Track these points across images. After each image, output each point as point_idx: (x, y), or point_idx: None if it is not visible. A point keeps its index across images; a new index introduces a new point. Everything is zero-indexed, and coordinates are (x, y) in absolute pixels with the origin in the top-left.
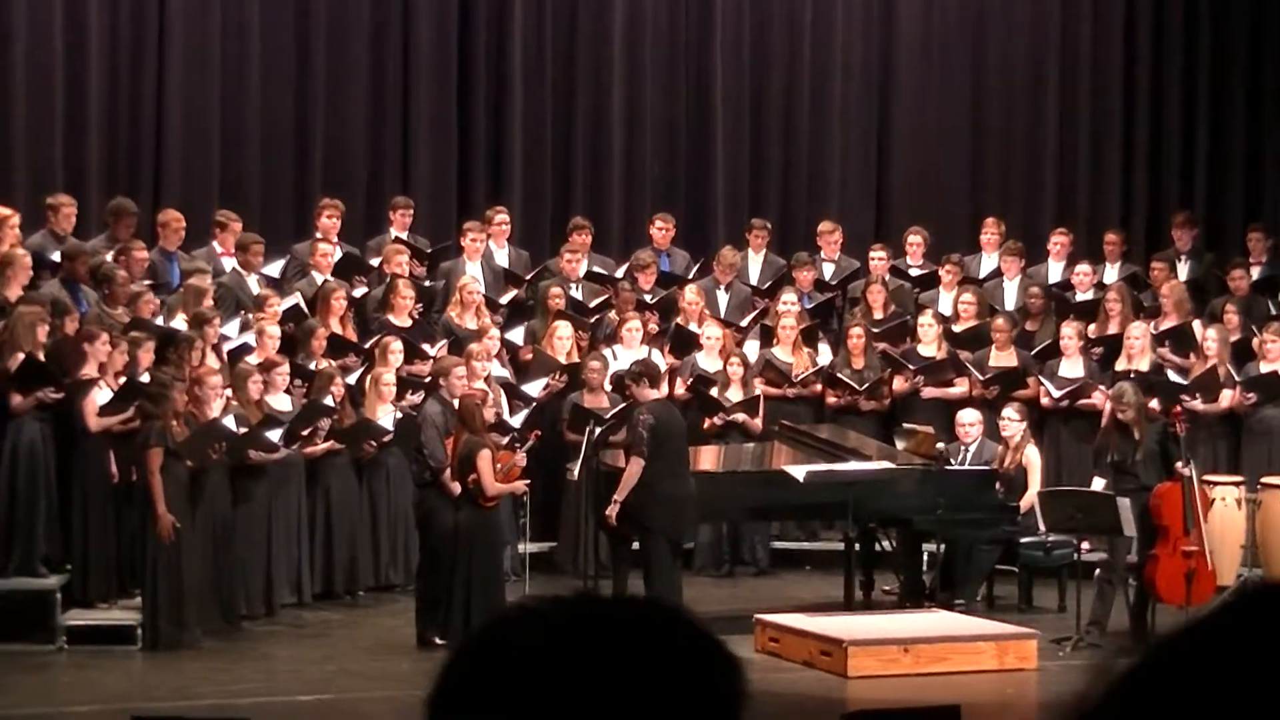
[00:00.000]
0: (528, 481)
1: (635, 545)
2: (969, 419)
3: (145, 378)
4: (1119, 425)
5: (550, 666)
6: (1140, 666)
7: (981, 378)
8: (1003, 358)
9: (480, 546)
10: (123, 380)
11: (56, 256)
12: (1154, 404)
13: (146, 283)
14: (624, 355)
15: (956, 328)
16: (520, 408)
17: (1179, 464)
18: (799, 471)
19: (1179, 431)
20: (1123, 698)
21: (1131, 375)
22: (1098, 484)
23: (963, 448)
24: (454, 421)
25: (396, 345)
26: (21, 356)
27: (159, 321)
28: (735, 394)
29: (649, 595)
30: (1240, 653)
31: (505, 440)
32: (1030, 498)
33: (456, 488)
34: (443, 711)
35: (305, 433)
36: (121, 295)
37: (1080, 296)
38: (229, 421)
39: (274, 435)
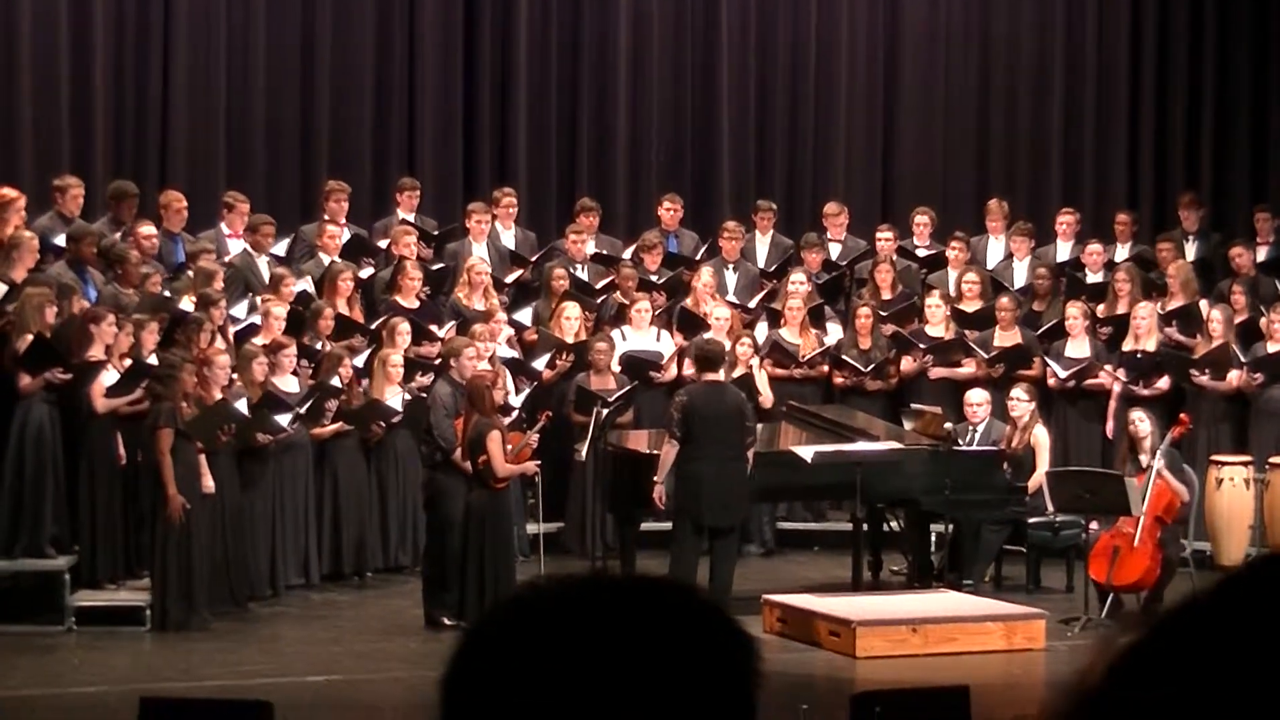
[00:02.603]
0: (538, 462)
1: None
2: (977, 399)
3: (152, 359)
4: (1133, 448)
5: (563, 646)
6: (1141, 641)
7: (986, 357)
8: (1007, 337)
9: (491, 528)
10: (129, 362)
11: (62, 239)
12: (1163, 382)
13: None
14: (633, 336)
15: (964, 307)
16: (525, 386)
17: (1146, 455)
18: (806, 452)
19: (1176, 437)
20: (1125, 672)
21: (1138, 355)
22: None
23: (970, 428)
24: (463, 403)
25: (404, 327)
26: (30, 338)
27: None
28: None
29: (662, 574)
30: (1243, 623)
31: (512, 419)
32: (1038, 478)
33: (469, 468)
34: (456, 691)
35: (308, 411)
36: (134, 276)
37: (1091, 277)
38: (240, 405)
39: (283, 418)
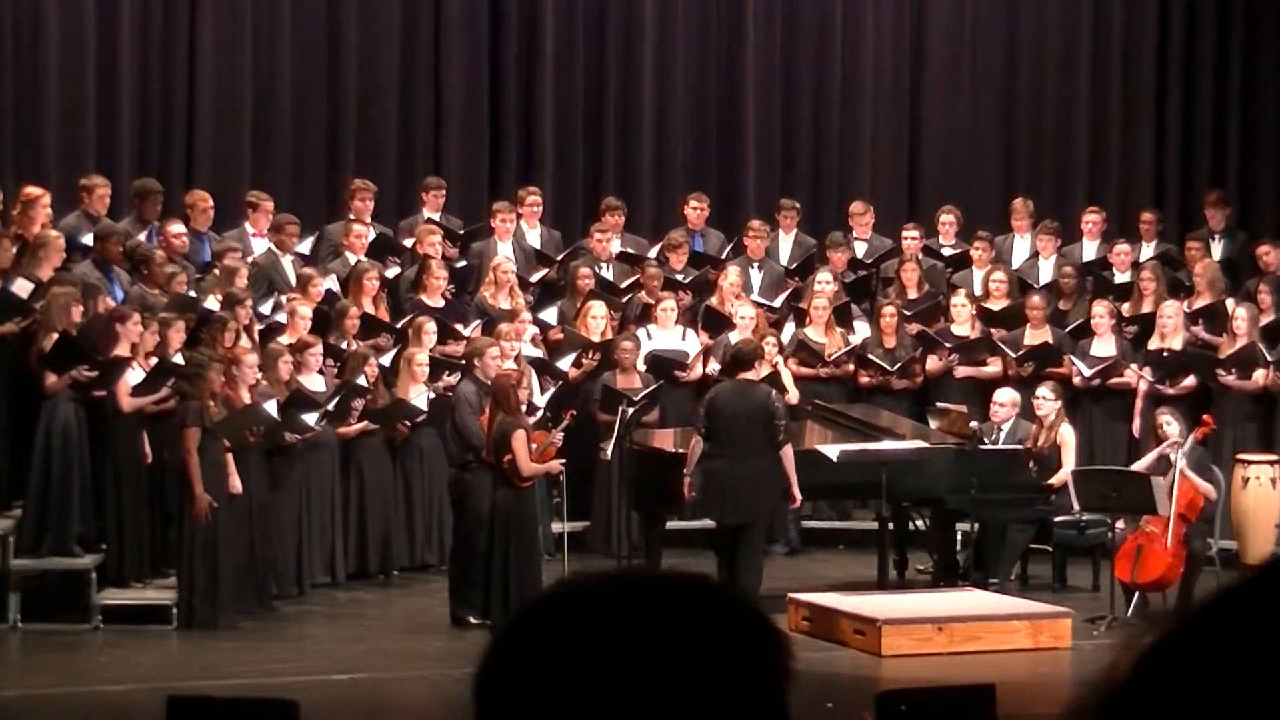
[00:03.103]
0: (563, 461)
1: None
2: (1003, 399)
3: (178, 358)
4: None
5: (595, 643)
6: (1165, 638)
7: (1015, 356)
8: (1037, 336)
9: (516, 527)
10: (154, 361)
11: (89, 238)
12: (1189, 381)
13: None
14: (658, 335)
15: (990, 306)
16: (550, 385)
17: (1174, 454)
18: (832, 451)
19: (1199, 438)
20: (1148, 669)
21: (1164, 354)
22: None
23: (996, 427)
24: (488, 402)
25: (430, 326)
26: (55, 337)
27: None
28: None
29: (694, 571)
30: (1267, 619)
31: (537, 418)
32: (1063, 475)
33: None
34: (489, 690)
35: (335, 410)
36: (159, 275)
37: (1119, 276)
38: (270, 406)
39: (310, 418)
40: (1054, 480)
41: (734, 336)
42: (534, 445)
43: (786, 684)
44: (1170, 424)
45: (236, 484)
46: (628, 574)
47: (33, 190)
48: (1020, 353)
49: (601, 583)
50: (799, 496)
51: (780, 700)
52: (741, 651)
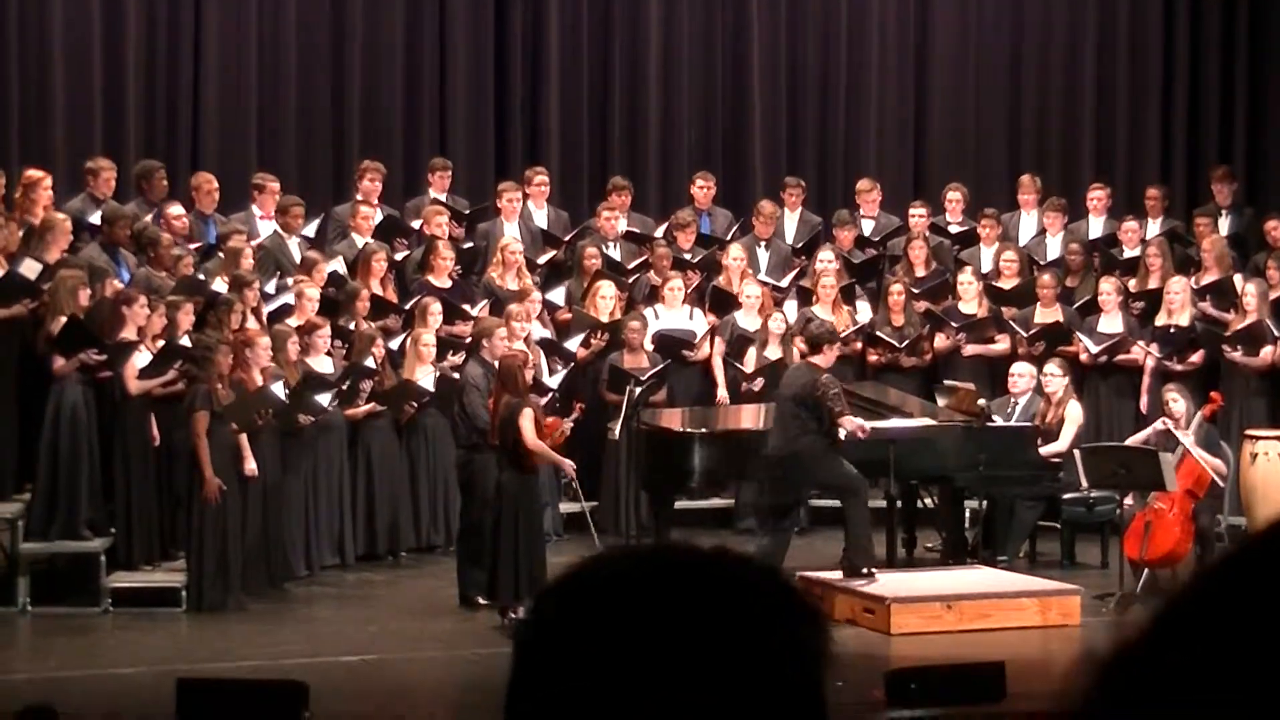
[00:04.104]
0: (572, 465)
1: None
2: (1022, 370)
3: (186, 341)
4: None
5: (630, 622)
6: (1167, 609)
7: (1026, 334)
8: (1047, 314)
9: (522, 509)
10: (161, 343)
11: (96, 220)
12: (1196, 356)
13: (193, 245)
14: (666, 315)
15: (1000, 284)
16: (559, 367)
17: (1181, 432)
18: (840, 430)
19: (1207, 415)
20: (1150, 640)
21: (1172, 330)
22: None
23: (1013, 400)
24: (494, 383)
25: (436, 307)
26: (64, 320)
27: None
28: (774, 352)
29: (731, 549)
30: (1264, 586)
31: (545, 400)
32: (1056, 448)
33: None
34: (524, 672)
35: (345, 393)
36: (166, 258)
37: (1127, 253)
38: (277, 388)
39: (323, 399)
40: (1045, 450)
41: (740, 315)
42: (547, 432)
43: (826, 669)
44: (1176, 401)
45: (252, 467)
46: (664, 551)
47: (34, 173)
48: (1031, 332)
49: (635, 560)
50: None
51: (819, 685)
52: (781, 635)
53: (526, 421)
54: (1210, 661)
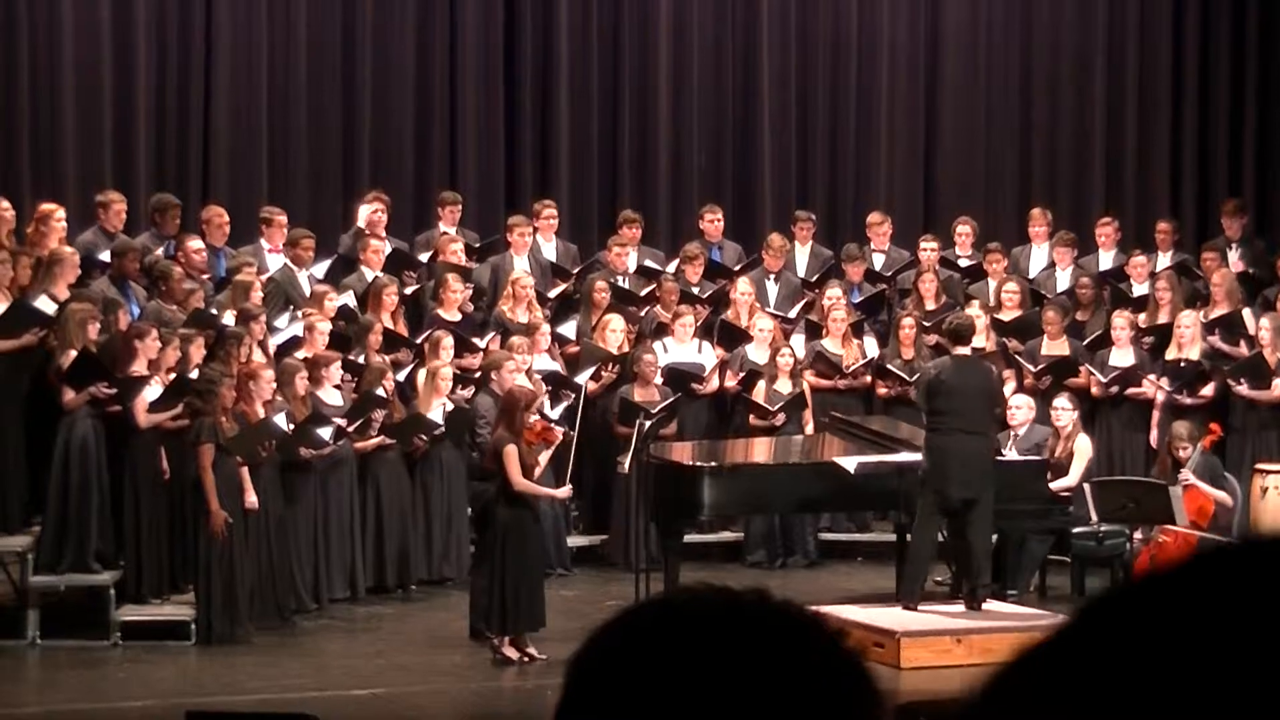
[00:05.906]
0: (569, 489)
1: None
2: (1019, 403)
3: (194, 374)
4: (1174, 460)
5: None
6: (1054, 635)
7: (1033, 369)
8: (1054, 347)
9: (510, 541)
10: (173, 377)
11: (106, 255)
12: (1207, 390)
13: (205, 277)
14: (675, 348)
15: (1001, 316)
16: (566, 399)
17: (1183, 470)
18: (850, 463)
19: (1207, 446)
20: (1027, 663)
21: (1182, 364)
22: None
23: (1012, 432)
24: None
25: (448, 340)
26: (74, 353)
27: None
28: (784, 386)
29: (784, 599)
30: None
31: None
32: (1066, 482)
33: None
34: (575, 708)
35: (355, 426)
36: (177, 291)
37: (1137, 288)
38: (280, 419)
39: (325, 432)
40: (1055, 485)
41: (751, 349)
42: (532, 443)
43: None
44: (1186, 449)
45: (252, 500)
46: (716, 598)
47: (46, 207)
48: (1039, 367)
49: (686, 608)
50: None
51: None
52: (838, 702)
53: (511, 461)
54: (1074, 686)
